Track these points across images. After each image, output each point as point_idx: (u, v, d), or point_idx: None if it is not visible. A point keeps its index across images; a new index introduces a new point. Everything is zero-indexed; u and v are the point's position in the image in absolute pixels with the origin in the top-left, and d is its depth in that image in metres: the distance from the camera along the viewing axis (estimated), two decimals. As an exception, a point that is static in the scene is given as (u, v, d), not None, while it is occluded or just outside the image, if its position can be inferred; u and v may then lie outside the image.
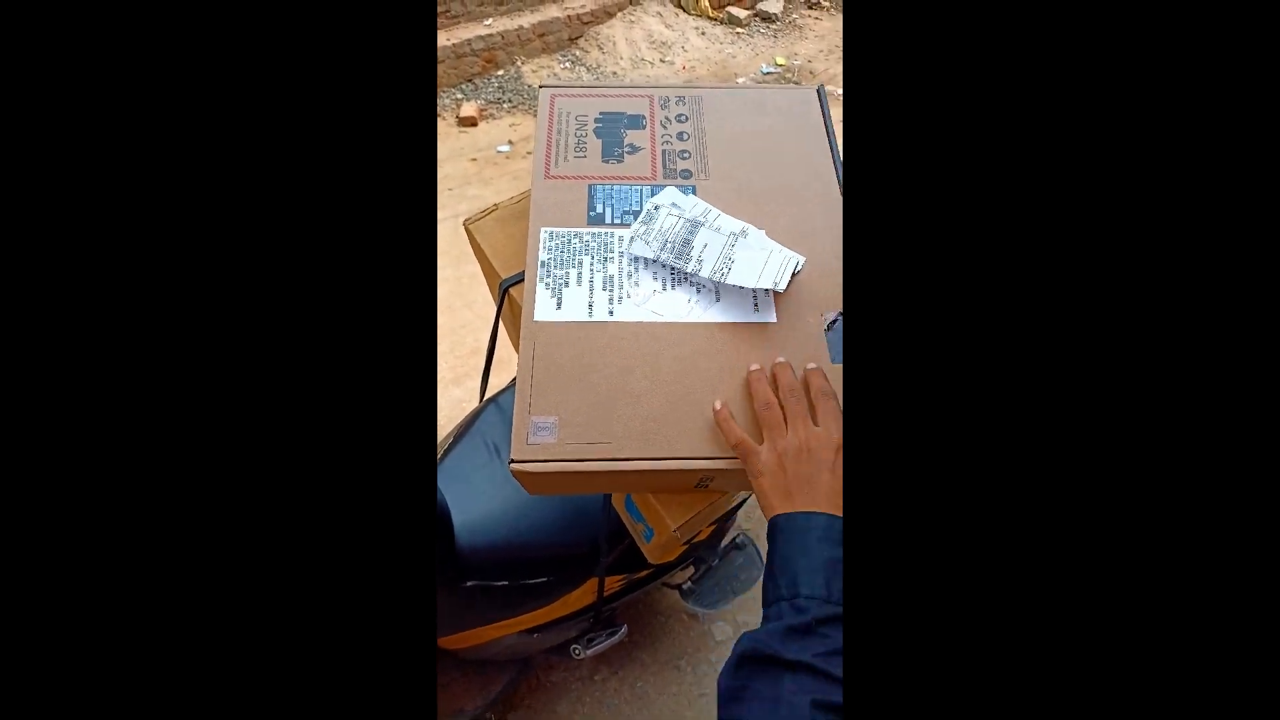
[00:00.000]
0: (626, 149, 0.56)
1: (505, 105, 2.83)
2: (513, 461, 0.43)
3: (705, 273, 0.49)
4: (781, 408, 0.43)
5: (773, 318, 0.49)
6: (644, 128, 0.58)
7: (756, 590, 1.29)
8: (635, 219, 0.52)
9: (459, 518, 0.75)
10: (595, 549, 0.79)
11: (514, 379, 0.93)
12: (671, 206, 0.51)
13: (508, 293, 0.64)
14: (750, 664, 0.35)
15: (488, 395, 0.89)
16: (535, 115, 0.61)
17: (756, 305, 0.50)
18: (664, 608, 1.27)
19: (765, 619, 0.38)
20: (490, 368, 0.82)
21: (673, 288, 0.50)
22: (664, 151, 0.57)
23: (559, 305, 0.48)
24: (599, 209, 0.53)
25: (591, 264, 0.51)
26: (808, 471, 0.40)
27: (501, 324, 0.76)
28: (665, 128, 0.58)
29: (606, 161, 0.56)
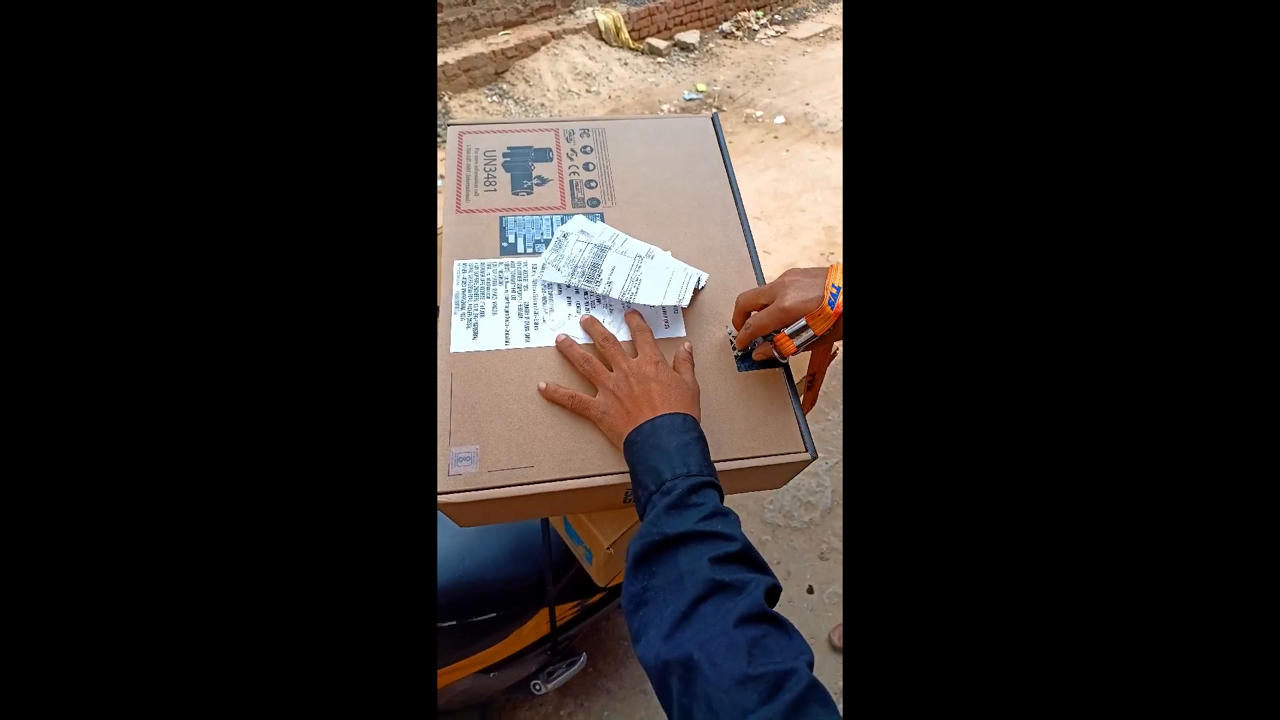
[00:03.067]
0: (535, 181, 0.58)
1: (436, 140, 2.83)
2: (436, 494, 0.43)
3: (615, 294, 0.51)
4: (600, 356, 0.47)
5: (682, 332, 0.51)
6: (551, 160, 0.60)
7: (716, 603, 1.30)
8: (547, 247, 0.54)
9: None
10: (542, 578, 0.79)
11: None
12: (580, 233, 0.53)
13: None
14: (644, 560, 0.36)
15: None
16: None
17: (667, 323, 0.52)
18: (625, 633, 1.26)
19: (642, 523, 0.39)
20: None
21: (587, 311, 0.51)
22: (571, 182, 0.59)
23: (475, 335, 0.49)
24: (511, 239, 0.54)
25: (506, 293, 0.52)
26: (638, 391, 0.44)
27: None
28: (571, 159, 0.60)
29: (516, 194, 0.57)
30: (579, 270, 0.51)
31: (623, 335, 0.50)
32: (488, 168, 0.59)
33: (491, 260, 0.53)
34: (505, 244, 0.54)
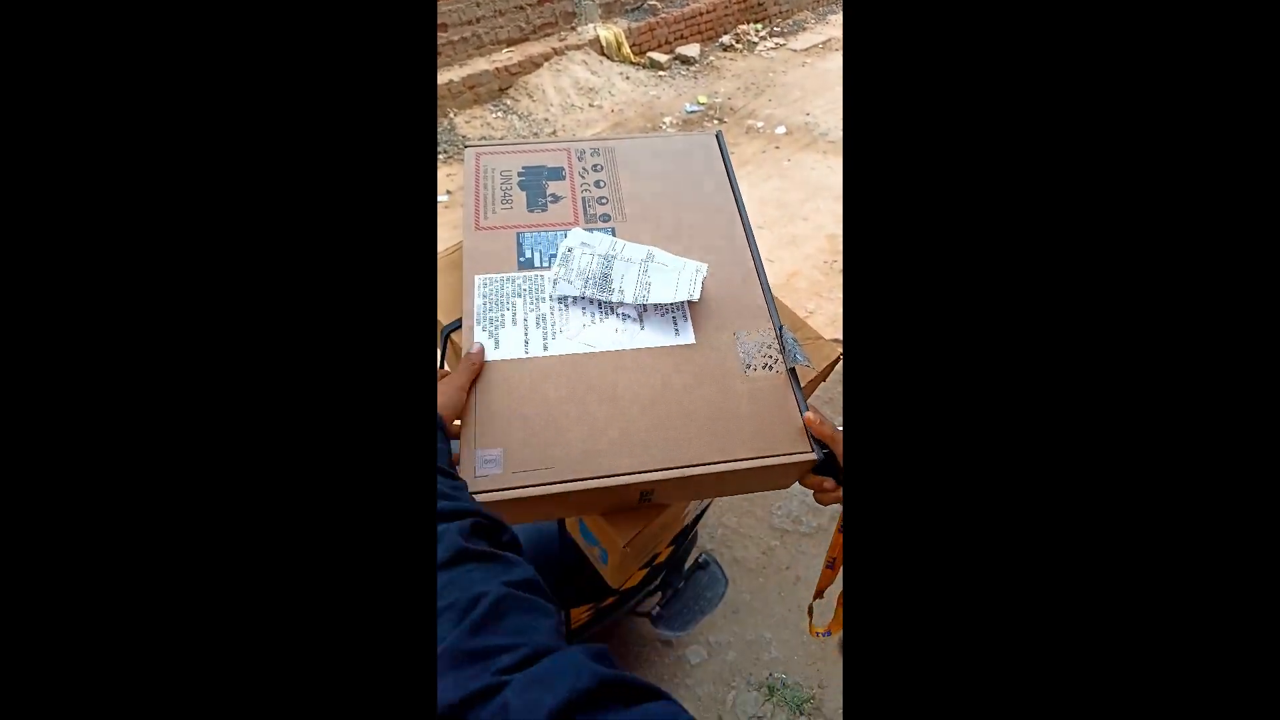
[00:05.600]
0: (549, 199, 0.61)
1: (441, 156, 2.87)
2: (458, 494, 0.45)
3: (628, 299, 0.53)
4: None
5: (691, 339, 0.54)
6: (564, 178, 0.63)
7: (725, 609, 1.31)
8: (549, 259, 0.56)
9: (419, 566, 0.75)
10: (556, 581, 0.81)
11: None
12: (582, 245, 0.56)
13: (449, 338, 0.67)
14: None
15: (440, 441, 0.90)
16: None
17: (677, 330, 0.54)
18: (637, 638, 1.27)
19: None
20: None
21: (601, 320, 0.54)
22: (584, 199, 0.61)
23: (496, 345, 0.52)
24: (528, 254, 0.57)
25: (524, 305, 0.54)
26: None
27: (446, 369, 0.79)
28: (583, 177, 0.63)
29: (532, 211, 0.60)
30: (590, 281, 0.54)
31: (636, 343, 0.53)
32: (504, 187, 0.61)
33: (510, 274, 0.56)
34: (523, 259, 0.57)
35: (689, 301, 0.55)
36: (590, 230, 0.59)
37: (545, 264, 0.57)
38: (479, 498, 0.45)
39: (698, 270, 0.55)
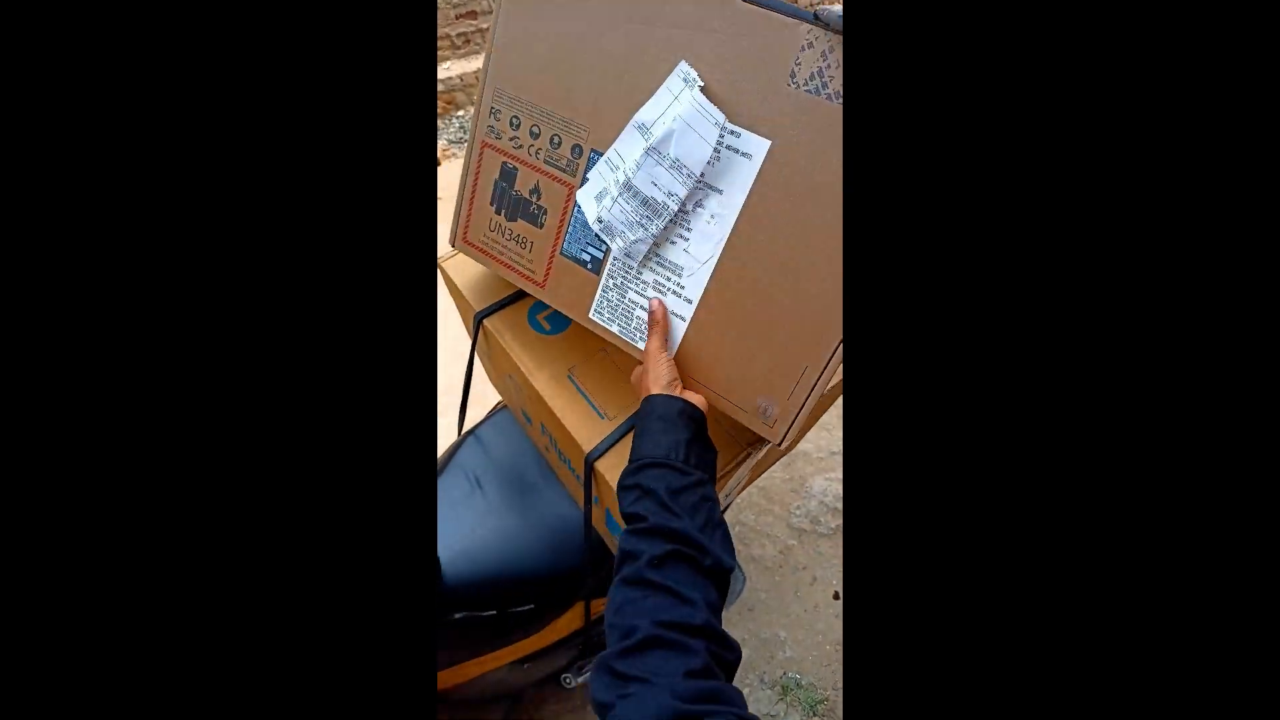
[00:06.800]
0: (536, 206, 0.57)
1: (460, 147, 2.89)
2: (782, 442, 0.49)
3: (682, 192, 0.48)
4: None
5: (765, 141, 0.45)
6: (517, 170, 0.58)
7: (741, 606, 1.31)
8: (598, 240, 0.55)
9: (443, 551, 0.76)
10: (578, 571, 0.81)
11: (491, 410, 0.95)
12: (599, 206, 0.53)
13: (482, 325, 0.67)
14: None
15: (466, 428, 0.91)
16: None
17: (747, 154, 0.47)
18: (652, 631, 1.27)
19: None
20: (467, 401, 0.83)
21: (689, 231, 0.50)
22: (545, 162, 0.55)
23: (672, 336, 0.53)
24: (585, 257, 0.56)
25: (635, 292, 0.55)
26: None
27: (477, 357, 0.79)
28: (521, 147, 0.57)
29: (541, 227, 0.58)
30: (641, 222, 0.50)
31: (736, 202, 0.47)
32: (509, 240, 0.60)
33: (603, 281, 0.56)
34: (591, 265, 0.56)
35: (720, 123, 0.46)
36: (584, 180, 0.53)
37: (602, 252, 0.55)
38: (793, 433, 0.49)
39: (685, 80, 0.45)
